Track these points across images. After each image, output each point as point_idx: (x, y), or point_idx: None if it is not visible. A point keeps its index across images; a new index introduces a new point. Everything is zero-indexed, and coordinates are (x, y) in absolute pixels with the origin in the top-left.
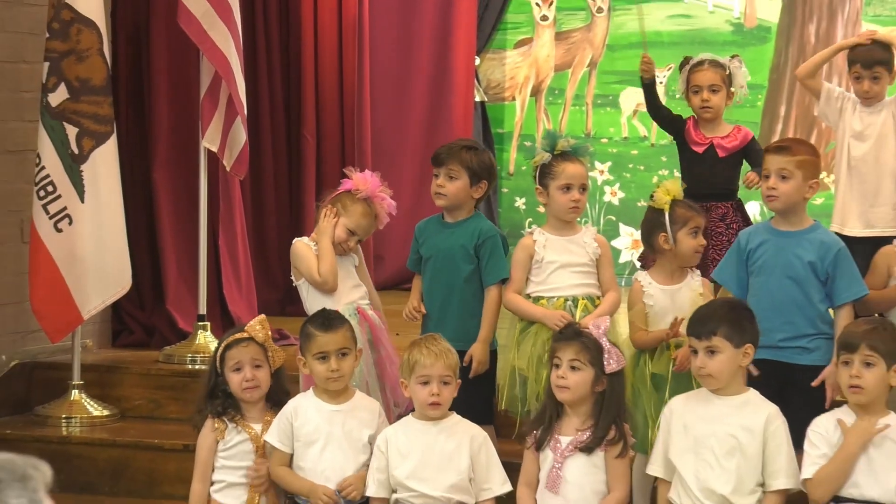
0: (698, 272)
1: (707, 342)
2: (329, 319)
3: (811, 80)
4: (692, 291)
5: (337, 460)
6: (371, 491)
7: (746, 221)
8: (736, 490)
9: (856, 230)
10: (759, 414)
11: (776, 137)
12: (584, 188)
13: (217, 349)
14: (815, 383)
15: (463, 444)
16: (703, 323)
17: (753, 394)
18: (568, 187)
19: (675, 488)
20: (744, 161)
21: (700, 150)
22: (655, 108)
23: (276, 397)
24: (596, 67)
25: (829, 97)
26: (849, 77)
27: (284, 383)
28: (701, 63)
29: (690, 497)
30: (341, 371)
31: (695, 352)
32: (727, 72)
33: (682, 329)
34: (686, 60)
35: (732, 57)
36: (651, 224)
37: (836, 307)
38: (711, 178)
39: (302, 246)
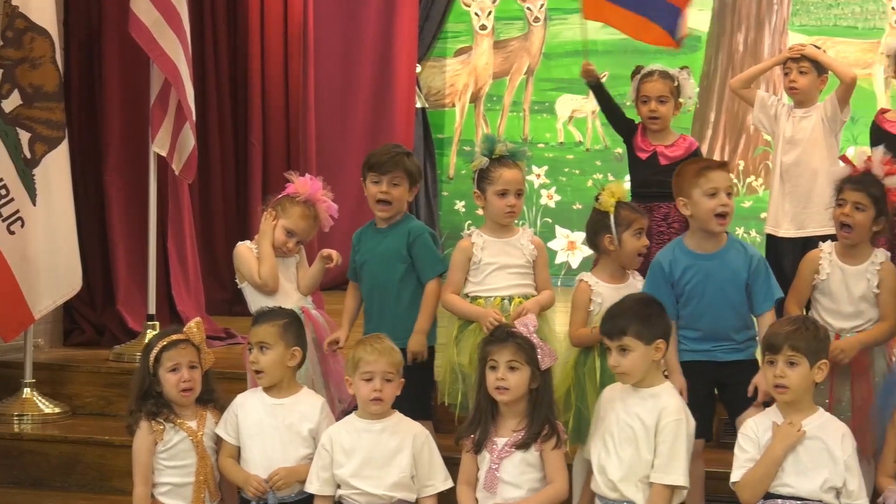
0: (637, 273)
1: (618, 341)
2: (261, 314)
3: (745, 90)
4: (637, 290)
5: (277, 452)
6: (314, 488)
7: (687, 221)
8: (625, 478)
9: (790, 232)
10: (657, 408)
11: (706, 143)
12: (519, 193)
13: (151, 349)
14: (749, 389)
15: (405, 442)
16: (613, 322)
17: (665, 388)
18: (504, 192)
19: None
20: None
21: (644, 156)
22: (608, 109)
23: (206, 396)
24: (533, 75)
25: (763, 104)
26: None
27: (212, 383)
28: (651, 74)
29: (594, 480)
30: (259, 364)
31: (608, 350)
32: (676, 83)
33: None
34: (637, 69)
35: (682, 68)
36: (596, 226)
37: (756, 315)
38: (654, 184)
39: (244, 249)
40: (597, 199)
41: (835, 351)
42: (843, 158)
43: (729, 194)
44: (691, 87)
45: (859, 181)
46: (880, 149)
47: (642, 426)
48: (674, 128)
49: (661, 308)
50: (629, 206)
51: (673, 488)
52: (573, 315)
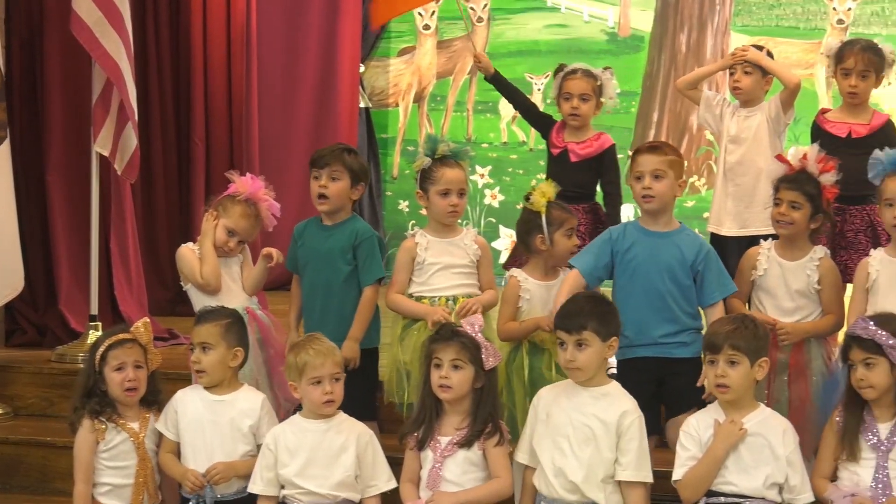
0: (567, 270)
1: (577, 336)
2: (203, 314)
3: (691, 91)
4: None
5: (216, 448)
6: (258, 489)
7: (597, 224)
8: (587, 479)
9: (732, 230)
10: (615, 407)
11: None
12: (462, 193)
13: (97, 348)
14: (699, 384)
15: (350, 441)
16: (572, 318)
17: (614, 387)
18: (446, 192)
19: (537, 475)
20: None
21: (556, 152)
22: (516, 102)
23: (150, 398)
24: (476, 75)
25: (709, 103)
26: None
27: (157, 384)
28: (574, 72)
29: (547, 483)
30: (201, 364)
31: (562, 344)
32: (598, 82)
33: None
34: (560, 67)
35: (605, 69)
36: (528, 225)
37: (705, 307)
38: (564, 181)
39: (186, 251)
40: (527, 198)
41: (780, 332)
42: (780, 158)
43: (657, 176)
44: (613, 88)
45: (794, 180)
46: (815, 147)
47: (601, 425)
48: (616, 127)
49: (615, 308)
50: (560, 206)
51: (646, 485)
52: (502, 309)
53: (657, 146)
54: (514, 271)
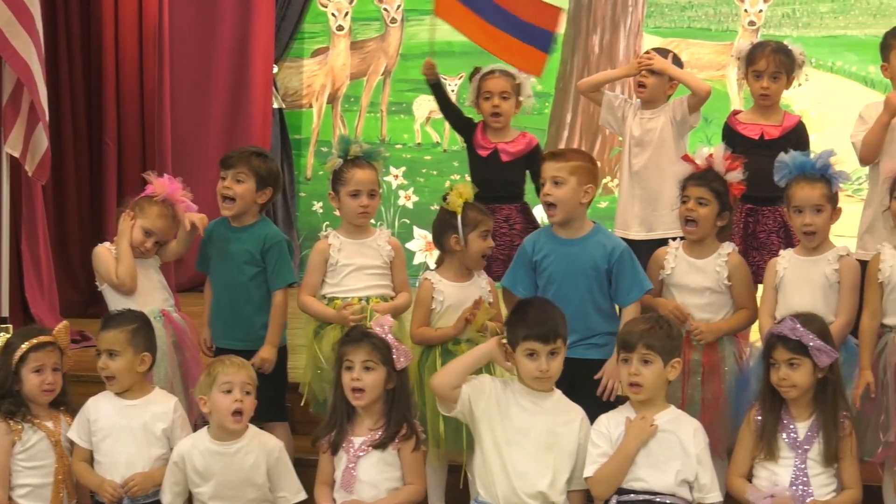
0: (483, 272)
1: (552, 345)
2: (109, 319)
3: (592, 93)
4: (481, 290)
5: (130, 453)
6: (167, 501)
7: (529, 223)
8: (552, 484)
9: (640, 234)
10: (573, 413)
11: (563, 144)
12: (372, 194)
13: (11, 349)
14: (596, 376)
15: (260, 458)
16: (547, 326)
17: (559, 393)
18: (356, 193)
19: (484, 479)
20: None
21: (485, 153)
22: (447, 108)
23: (59, 399)
24: (390, 76)
25: (611, 105)
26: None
27: (66, 386)
28: (492, 72)
29: (504, 487)
30: (109, 370)
31: (531, 354)
32: (517, 81)
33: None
34: (476, 70)
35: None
36: (443, 225)
37: (623, 307)
38: (496, 182)
39: (102, 250)
40: (444, 198)
41: (694, 331)
42: (686, 158)
43: (557, 183)
44: (530, 87)
45: (701, 177)
46: (721, 146)
47: (566, 433)
48: (530, 129)
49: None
50: (477, 208)
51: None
52: (415, 312)
53: (559, 153)
54: (428, 273)
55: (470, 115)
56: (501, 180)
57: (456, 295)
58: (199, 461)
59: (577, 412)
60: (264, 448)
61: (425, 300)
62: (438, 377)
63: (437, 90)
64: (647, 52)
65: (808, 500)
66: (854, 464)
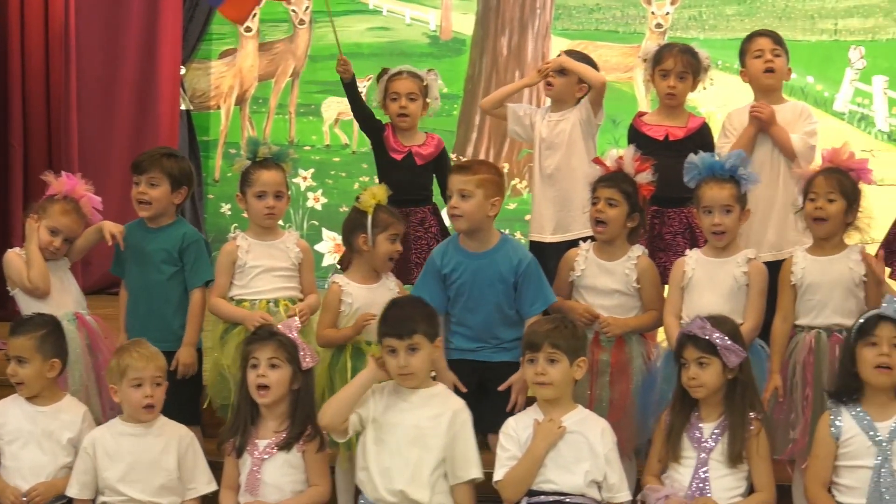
0: (391, 275)
1: (409, 340)
2: (17, 325)
3: (496, 110)
4: (389, 291)
5: (36, 459)
6: (73, 492)
7: (443, 225)
8: (412, 480)
9: (555, 237)
10: (447, 407)
11: (471, 146)
12: (278, 195)
13: None
14: (502, 388)
15: (171, 445)
16: (402, 323)
17: (442, 388)
18: (262, 194)
19: (362, 476)
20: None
21: (399, 157)
22: (358, 108)
23: None
24: (298, 77)
25: (517, 116)
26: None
27: None
28: (400, 73)
29: (373, 485)
30: (18, 377)
31: (392, 351)
32: (424, 83)
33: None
34: (384, 71)
35: (429, 70)
36: (353, 224)
37: (526, 318)
38: (409, 185)
39: (12, 255)
40: (358, 198)
41: (603, 326)
42: (596, 161)
43: (463, 196)
44: (437, 89)
45: (611, 178)
46: (631, 148)
47: (433, 426)
48: (438, 130)
49: (433, 309)
50: (388, 211)
51: (474, 481)
52: (322, 316)
53: (465, 165)
54: (336, 277)
55: (379, 117)
56: (415, 183)
57: (364, 297)
58: (111, 443)
59: (450, 406)
60: (176, 433)
61: (333, 303)
62: (326, 417)
63: (351, 88)
64: (545, 63)
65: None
66: (766, 465)
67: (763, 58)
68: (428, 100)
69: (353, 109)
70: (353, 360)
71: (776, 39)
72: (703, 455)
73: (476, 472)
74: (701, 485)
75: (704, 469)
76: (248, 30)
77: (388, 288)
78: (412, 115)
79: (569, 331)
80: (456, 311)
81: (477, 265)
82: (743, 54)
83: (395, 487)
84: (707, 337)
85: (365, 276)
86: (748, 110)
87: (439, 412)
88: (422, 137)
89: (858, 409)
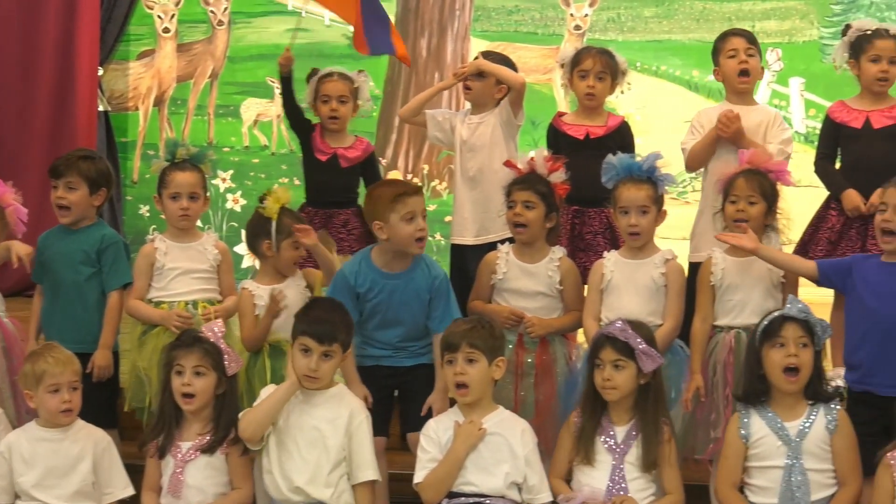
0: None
1: (326, 347)
2: None
3: (414, 118)
4: (297, 287)
5: None
6: None
7: (366, 228)
8: (312, 480)
9: (478, 239)
10: (343, 408)
11: (391, 147)
12: (194, 196)
13: None
14: (423, 412)
15: (86, 450)
16: (324, 327)
17: (343, 389)
18: (176, 196)
19: (268, 478)
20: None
21: (324, 158)
22: (290, 106)
23: None
24: (217, 78)
25: (436, 121)
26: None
27: None
28: (331, 74)
29: (276, 486)
30: None
31: (306, 351)
32: (355, 85)
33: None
34: (314, 72)
35: (359, 72)
36: (256, 229)
37: (434, 332)
38: (333, 186)
39: None
40: (261, 201)
41: (527, 325)
42: (508, 164)
43: (424, 217)
44: (368, 91)
45: (525, 180)
46: (542, 149)
47: (331, 427)
48: (359, 132)
49: (352, 319)
50: (293, 215)
51: (375, 482)
52: (241, 322)
53: (420, 188)
54: (245, 282)
55: (309, 117)
56: (339, 185)
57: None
58: (27, 448)
59: (347, 408)
60: (91, 438)
61: (247, 308)
62: (248, 431)
63: (286, 85)
64: (461, 67)
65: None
66: (675, 469)
67: (738, 58)
68: (359, 101)
69: (284, 105)
70: (272, 359)
71: (750, 39)
72: (617, 458)
73: (372, 475)
74: (618, 489)
75: (621, 472)
76: (167, 30)
77: (297, 285)
78: (343, 117)
79: (486, 331)
80: (369, 327)
81: (393, 285)
82: (716, 53)
83: (294, 486)
84: (626, 340)
85: (272, 278)
86: (718, 111)
87: (337, 414)
88: (350, 140)
89: (767, 411)
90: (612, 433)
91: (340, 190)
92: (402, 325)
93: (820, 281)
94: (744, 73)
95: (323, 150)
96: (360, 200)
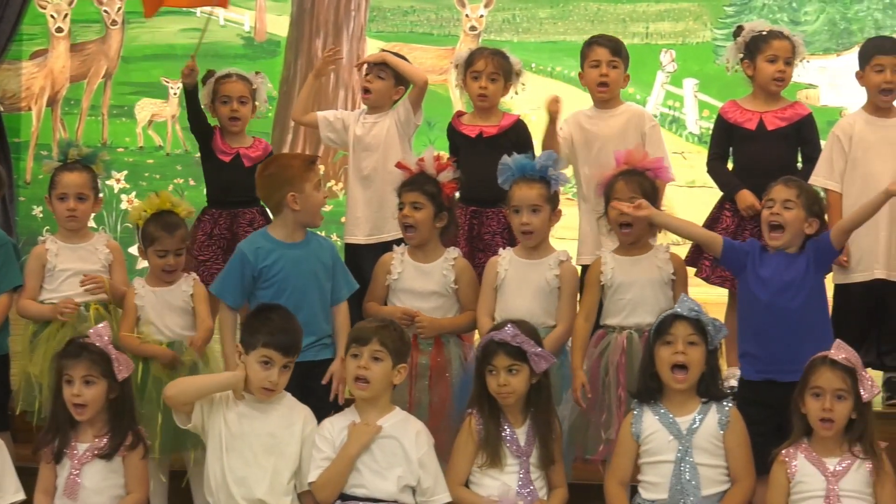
0: (188, 275)
1: (289, 359)
2: None
3: (305, 117)
4: (183, 293)
5: None
6: None
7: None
8: (271, 489)
9: (370, 238)
10: (296, 415)
11: (287, 148)
12: (81, 197)
13: None
14: (324, 381)
15: None
16: (291, 340)
17: (288, 395)
18: (63, 196)
19: (211, 488)
20: None
21: (227, 158)
22: (195, 114)
23: None
24: (111, 79)
25: (327, 122)
26: None
27: None
28: (229, 76)
29: (227, 495)
30: None
31: (267, 363)
32: (253, 86)
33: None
34: (210, 73)
35: (256, 73)
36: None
37: (335, 305)
38: (237, 186)
39: None
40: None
41: (418, 325)
42: (399, 165)
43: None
44: (266, 91)
45: (413, 182)
46: (430, 148)
47: (288, 433)
48: (254, 132)
49: None
50: (160, 223)
51: None
52: (122, 320)
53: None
54: (135, 280)
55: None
56: (243, 185)
57: (153, 301)
58: None
59: (300, 413)
60: None
61: (130, 307)
62: (171, 390)
63: (192, 97)
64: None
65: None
66: (562, 463)
67: (599, 69)
68: (256, 102)
69: (189, 116)
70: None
71: (614, 49)
72: (524, 461)
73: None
74: (529, 492)
75: (528, 475)
76: (60, 30)
77: (181, 289)
78: (243, 118)
79: (397, 333)
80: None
81: (296, 255)
82: (582, 58)
83: (254, 496)
84: (518, 344)
85: (156, 280)
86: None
87: (292, 420)
88: (249, 140)
89: (660, 407)
90: (514, 437)
91: (245, 189)
92: (311, 301)
93: (722, 256)
94: (603, 84)
95: (225, 151)
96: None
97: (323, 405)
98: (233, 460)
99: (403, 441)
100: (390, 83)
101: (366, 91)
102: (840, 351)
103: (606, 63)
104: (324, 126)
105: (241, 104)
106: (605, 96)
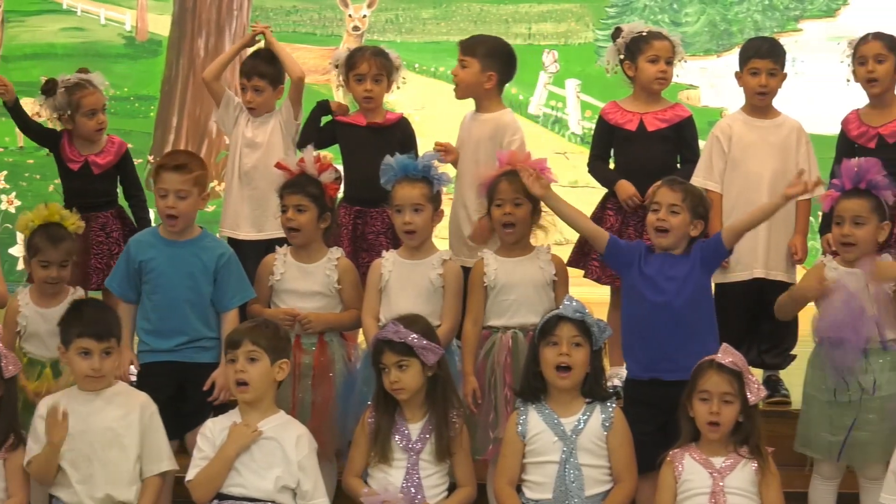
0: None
1: (107, 343)
2: None
3: (216, 83)
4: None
5: None
6: None
7: (126, 227)
8: (115, 483)
9: (250, 234)
10: (132, 403)
11: (169, 147)
12: None
13: None
14: (205, 387)
15: None
16: (101, 325)
17: (122, 385)
18: None
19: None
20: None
21: (76, 167)
22: (26, 127)
23: None
24: None
25: (228, 104)
26: None
27: None
28: (86, 86)
29: (72, 492)
30: None
31: (86, 353)
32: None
33: None
34: (53, 82)
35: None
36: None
37: (224, 311)
38: (88, 192)
39: None
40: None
41: (303, 321)
42: (279, 165)
43: (182, 197)
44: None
45: (295, 184)
46: (310, 148)
47: (125, 424)
48: (135, 132)
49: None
50: (44, 234)
51: (167, 474)
52: (4, 329)
53: (181, 165)
54: (19, 292)
55: (53, 126)
56: (93, 191)
57: (41, 321)
58: None
59: (136, 400)
60: None
61: (11, 321)
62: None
63: (15, 111)
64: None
65: (416, 499)
66: (468, 461)
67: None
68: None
69: (22, 130)
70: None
71: (465, 49)
72: (413, 456)
73: (168, 465)
74: (415, 487)
75: (416, 470)
76: None
77: (76, 297)
78: (105, 126)
79: (270, 331)
80: (149, 311)
81: (176, 252)
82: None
83: (97, 495)
84: (402, 340)
85: (40, 295)
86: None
87: (128, 410)
88: (101, 144)
89: (545, 407)
90: (406, 431)
91: (96, 194)
92: (178, 305)
93: (605, 252)
94: (456, 85)
95: (74, 159)
96: (121, 201)
97: (201, 409)
98: (77, 460)
99: (284, 443)
100: (269, 92)
101: (255, 89)
102: (727, 355)
103: (458, 62)
104: (224, 105)
105: (103, 112)
106: (458, 97)
